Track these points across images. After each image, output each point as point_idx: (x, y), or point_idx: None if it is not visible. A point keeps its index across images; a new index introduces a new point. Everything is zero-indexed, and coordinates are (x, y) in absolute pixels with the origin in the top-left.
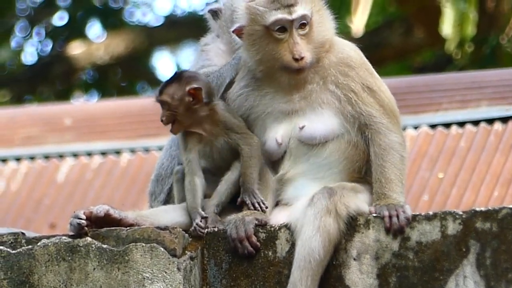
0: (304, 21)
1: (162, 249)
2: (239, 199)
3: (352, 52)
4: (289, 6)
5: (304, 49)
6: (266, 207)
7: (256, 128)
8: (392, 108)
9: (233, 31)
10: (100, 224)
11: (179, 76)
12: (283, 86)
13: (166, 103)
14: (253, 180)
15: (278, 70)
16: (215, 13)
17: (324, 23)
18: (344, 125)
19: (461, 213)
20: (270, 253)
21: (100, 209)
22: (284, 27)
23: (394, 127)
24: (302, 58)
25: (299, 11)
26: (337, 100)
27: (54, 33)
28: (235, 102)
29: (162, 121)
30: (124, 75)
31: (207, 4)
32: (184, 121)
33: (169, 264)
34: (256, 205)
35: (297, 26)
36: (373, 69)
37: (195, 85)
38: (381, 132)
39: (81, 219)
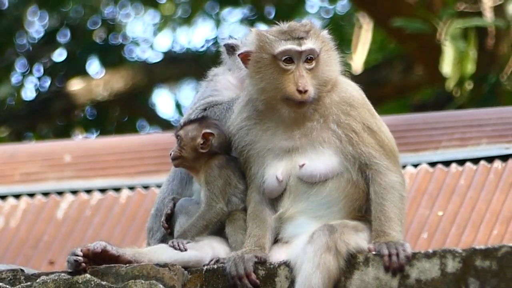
0: (312, 55)
1: (161, 286)
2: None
3: (355, 92)
4: (299, 39)
5: (308, 83)
6: (185, 249)
7: (256, 165)
8: (392, 148)
9: (238, 55)
10: (98, 261)
11: (202, 118)
12: (283, 119)
13: (180, 137)
14: (190, 234)
15: (280, 101)
16: (231, 48)
17: (331, 63)
18: (344, 164)
19: (460, 251)
20: None
21: (97, 245)
22: (291, 58)
23: (394, 167)
24: (305, 91)
25: (308, 44)
26: (338, 139)
27: (53, 70)
28: (236, 135)
29: (170, 154)
30: (123, 111)
31: (207, 40)
32: (187, 160)
33: None
34: (175, 243)
35: (304, 59)
36: (374, 110)
37: (210, 131)
38: (381, 172)
39: (78, 255)
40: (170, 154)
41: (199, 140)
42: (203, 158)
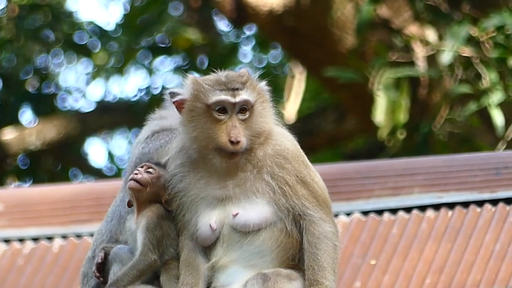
0: (245, 106)
1: None
2: None
3: (289, 144)
4: (234, 90)
5: (241, 134)
6: None
7: (189, 212)
8: (325, 198)
9: (173, 102)
10: None
11: None
12: (216, 169)
13: (156, 173)
14: (122, 283)
15: (212, 150)
16: (175, 96)
17: (265, 115)
18: (278, 214)
19: None
20: None
21: None
22: (225, 108)
23: (327, 217)
24: (238, 142)
25: (242, 95)
26: (271, 191)
27: None
28: (170, 181)
29: (136, 174)
30: (56, 160)
31: (140, 89)
32: (144, 194)
33: None
34: None
35: (237, 110)
36: (308, 161)
37: None
38: (315, 222)
39: None
40: (136, 174)
41: (167, 196)
42: (151, 203)
